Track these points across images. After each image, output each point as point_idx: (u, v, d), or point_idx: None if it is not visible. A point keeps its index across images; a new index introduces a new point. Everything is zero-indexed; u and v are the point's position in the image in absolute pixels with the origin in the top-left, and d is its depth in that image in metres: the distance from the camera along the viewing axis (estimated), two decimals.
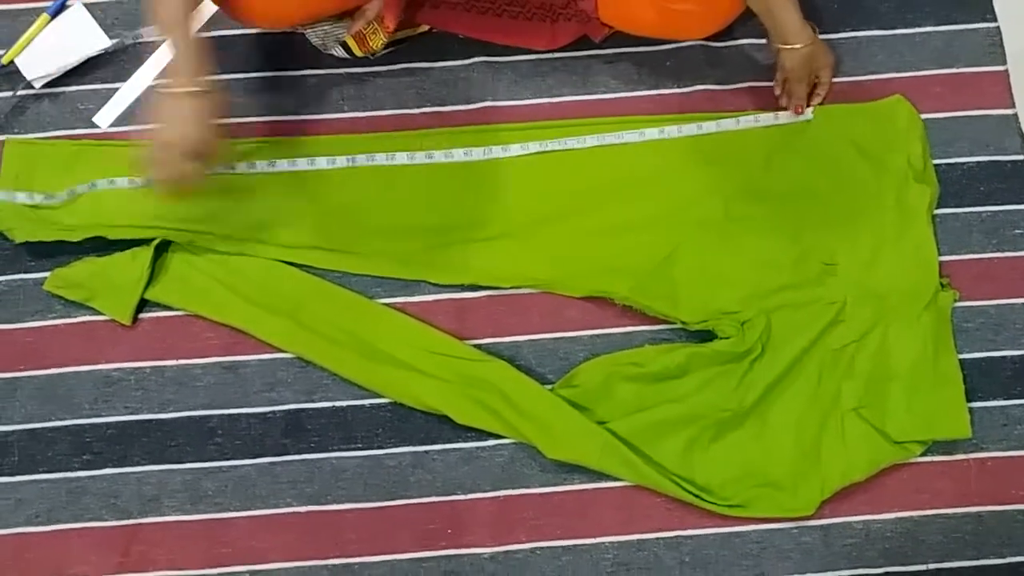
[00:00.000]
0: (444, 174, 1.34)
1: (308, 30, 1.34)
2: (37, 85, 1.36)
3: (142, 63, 1.38)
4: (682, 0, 1.23)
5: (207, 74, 1.16)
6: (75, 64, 1.36)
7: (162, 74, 1.24)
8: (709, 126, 1.35)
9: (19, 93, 1.35)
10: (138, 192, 1.31)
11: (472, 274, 1.31)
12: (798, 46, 1.25)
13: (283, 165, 1.33)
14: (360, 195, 1.33)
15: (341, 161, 1.34)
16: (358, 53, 1.34)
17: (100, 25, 1.39)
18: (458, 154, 1.34)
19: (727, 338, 1.26)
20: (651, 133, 1.35)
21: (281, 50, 1.39)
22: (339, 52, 1.34)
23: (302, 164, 1.34)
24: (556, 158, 1.34)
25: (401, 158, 1.34)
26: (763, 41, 1.37)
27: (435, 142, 1.35)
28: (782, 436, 1.25)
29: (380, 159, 1.34)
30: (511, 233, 1.32)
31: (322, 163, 1.34)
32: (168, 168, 1.16)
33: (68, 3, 1.40)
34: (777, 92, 1.34)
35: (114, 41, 1.37)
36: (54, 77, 1.36)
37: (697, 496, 1.22)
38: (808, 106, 1.34)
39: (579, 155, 1.35)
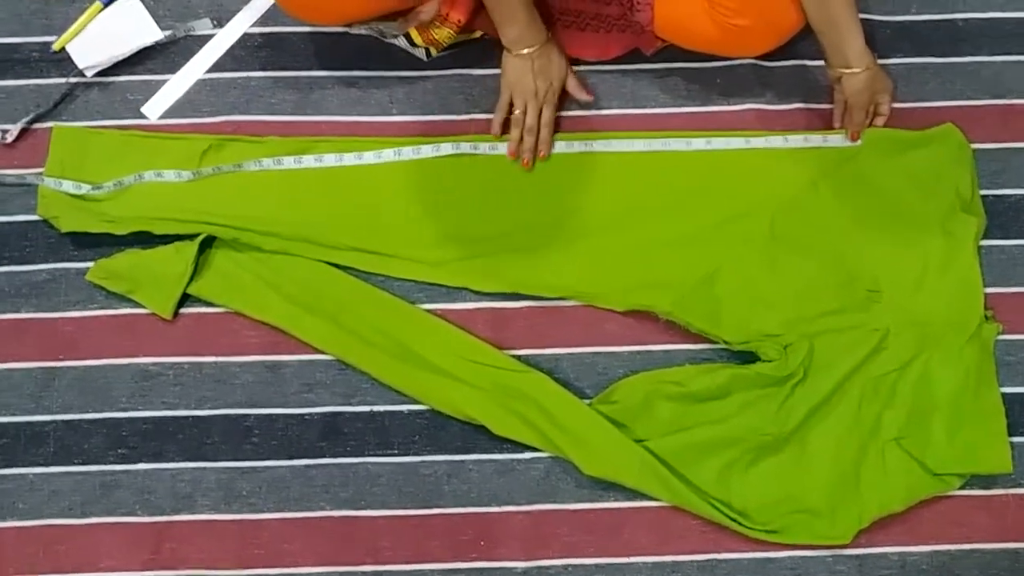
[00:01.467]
0: (489, 180, 1.33)
1: (362, 28, 1.33)
2: (88, 74, 1.35)
3: (193, 56, 1.37)
4: (742, 16, 1.22)
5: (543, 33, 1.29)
6: (127, 55, 1.36)
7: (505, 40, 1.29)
8: (757, 141, 1.34)
9: (70, 81, 1.35)
10: (185, 186, 1.30)
11: (514, 283, 1.30)
12: (859, 70, 1.24)
13: (330, 160, 1.33)
14: (406, 198, 1.32)
15: (388, 154, 1.33)
16: (419, 42, 1.32)
17: (152, 16, 1.38)
18: (503, 148, 1.34)
19: (770, 361, 1.25)
20: (698, 143, 1.34)
21: (332, 49, 1.38)
22: (401, 42, 1.33)
23: (349, 159, 1.33)
24: (601, 167, 1.34)
25: (446, 148, 1.33)
26: (816, 63, 1.36)
27: (480, 139, 1.34)
28: (821, 462, 1.24)
29: (426, 151, 1.33)
30: (554, 243, 1.31)
31: (369, 157, 1.33)
32: (527, 126, 1.30)
33: None
34: (837, 122, 1.33)
35: (166, 33, 1.37)
36: (105, 67, 1.36)
37: (733, 519, 1.21)
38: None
39: (624, 164, 1.34)
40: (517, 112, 1.30)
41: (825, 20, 1.21)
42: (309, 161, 1.33)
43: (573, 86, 1.33)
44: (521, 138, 1.31)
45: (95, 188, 1.31)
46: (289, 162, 1.33)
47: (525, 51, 1.27)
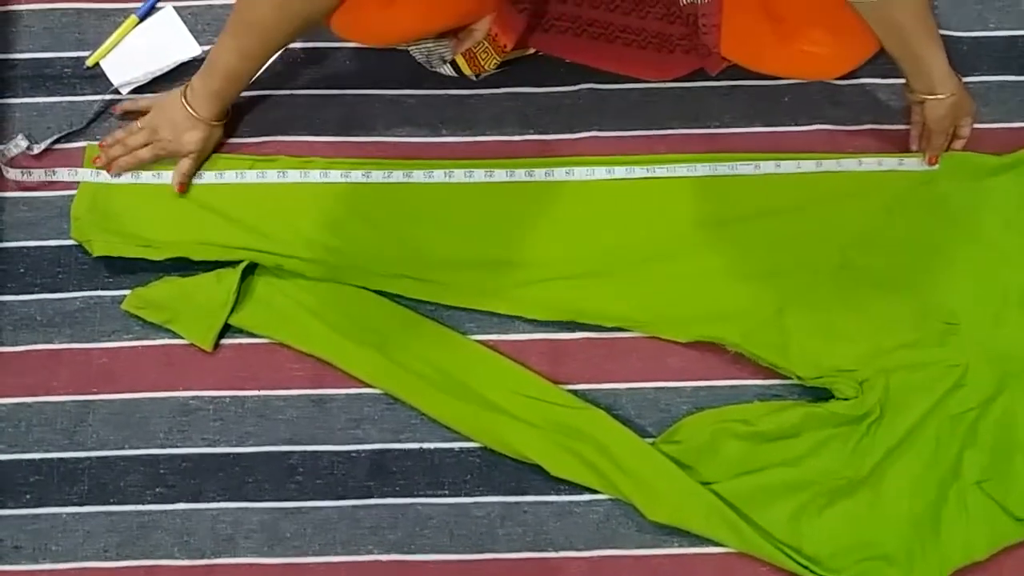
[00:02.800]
0: (543, 202, 1.27)
1: (411, 47, 1.27)
2: (124, 91, 1.30)
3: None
4: (815, 42, 1.15)
5: (223, 118, 1.26)
6: (163, 71, 1.30)
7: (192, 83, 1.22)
8: (829, 164, 1.28)
9: (105, 98, 1.29)
10: (226, 210, 1.24)
11: (570, 312, 1.24)
12: (943, 96, 1.17)
13: (377, 176, 1.27)
14: (455, 223, 1.26)
15: (438, 175, 1.27)
16: (467, 72, 1.27)
17: (190, 30, 1.32)
18: (560, 173, 1.27)
19: (844, 399, 1.19)
20: (767, 167, 1.28)
21: (379, 65, 1.32)
22: (446, 70, 1.27)
23: (397, 176, 1.27)
24: (663, 190, 1.27)
25: (500, 174, 1.27)
26: (889, 80, 1.30)
27: (536, 164, 1.29)
28: (897, 506, 1.17)
29: (479, 175, 1.27)
30: (613, 270, 1.25)
31: (419, 176, 1.27)
32: (127, 151, 1.24)
33: (159, 5, 1.33)
34: (914, 146, 1.26)
35: (204, 48, 1.31)
36: (141, 84, 1.30)
37: (804, 567, 1.14)
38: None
39: (687, 188, 1.27)
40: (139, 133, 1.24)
41: (901, 50, 1.14)
42: (356, 176, 1.27)
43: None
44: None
45: (134, 176, 1.25)
46: (336, 176, 1.27)
47: (197, 113, 1.21)
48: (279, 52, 1.25)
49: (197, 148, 1.24)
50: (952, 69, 1.18)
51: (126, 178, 1.26)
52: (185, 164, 1.24)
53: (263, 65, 1.23)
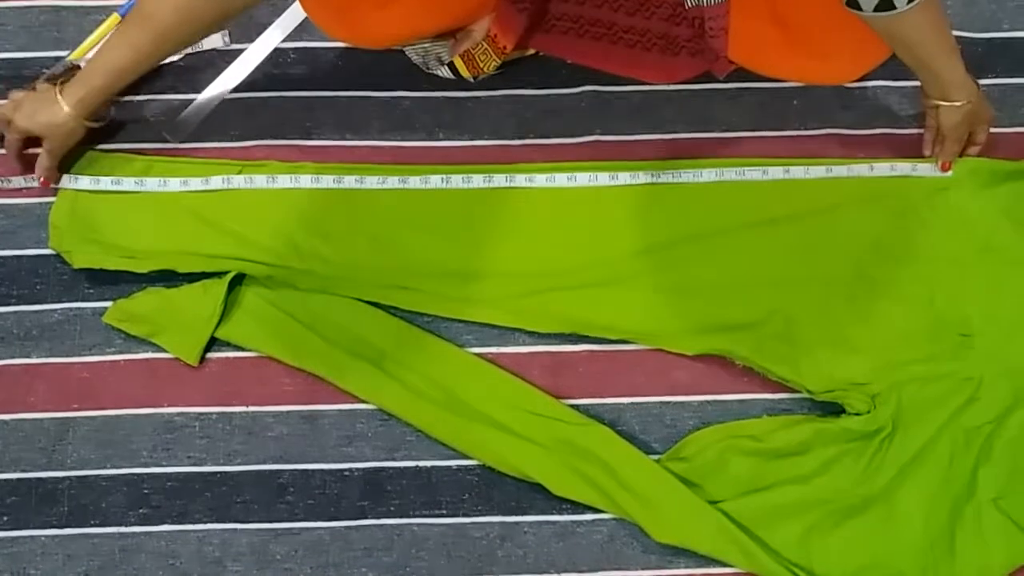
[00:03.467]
0: (545, 210, 1.22)
1: (408, 48, 1.22)
2: None
3: (219, 74, 1.25)
4: (823, 48, 1.11)
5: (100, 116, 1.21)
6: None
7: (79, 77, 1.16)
8: (840, 170, 1.23)
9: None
10: (213, 219, 1.19)
11: (572, 323, 1.20)
12: (959, 103, 1.13)
13: (372, 182, 1.22)
14: (452, 231, 1.21)
15: (435, 180, 1.22)
16: (466, 75, 1.22)
17: None
18: (561, 179, 1.23)
19: (856, 414, 1.15)
20: (775, 172, 1.23)
21: (373, 66, 1.26)
22: (443, 72, 1.23)
23: (393, 182, 1.22)
24: (668, 197, 1.23)
25: (499, 179, 1.23)
26: (901, 83, 1.26)
27: (537, 169, 1.24)
28: (910, 524, 1.14)
29: (477, 180, 1.22)
30: (617, 279, 1.20)
31: (415, 182, 1.22)
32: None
33: None
34: (928, 151, 1.22)
35: (185, 52, 1.26)
36: None
37: None
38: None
39: (693, 194, 1.23)
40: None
41: (912, 60, 1.10)
42: (350, 181, 1.22)
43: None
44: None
45: (115, 183, 1.20)
46: (328, 181, 1.22)
47: (63, 98, 1.15)
48: (180, 53, 1.21)
49: (47, 133, 1.16)
50: (969, 75, 1.14)
51: (105, 184, 1.21)
52: (43, 158, 1.18)
53: (149, 66, 1.17)
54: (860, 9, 1.00)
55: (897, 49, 1.09)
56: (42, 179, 1.19)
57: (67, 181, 1.22)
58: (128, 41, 1.13)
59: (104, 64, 1.15)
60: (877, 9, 0.99)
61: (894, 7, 0.98)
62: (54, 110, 1.16)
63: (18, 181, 1.22)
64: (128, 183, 1.22)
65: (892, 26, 1.03)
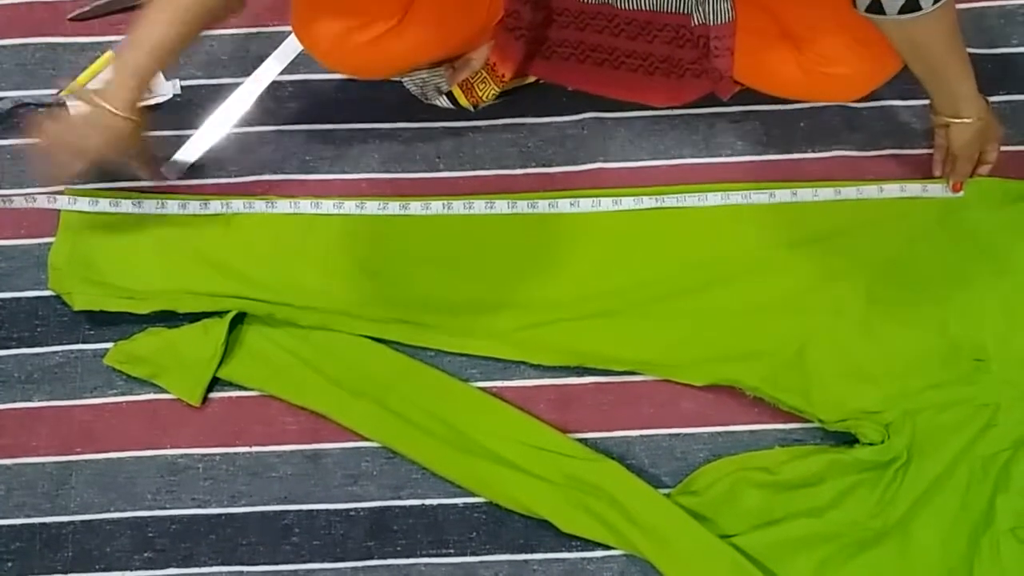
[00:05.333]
0: (548, 238, 1.21)
1: (405, 78, 1.21)
2: None
3: (217, 108, 1.25)
4: (834, 63, 1.09)
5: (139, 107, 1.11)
6: None
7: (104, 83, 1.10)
8: (849, 192, 1.21)
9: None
10: (213, 257, 1.18)
11: (579, 355, 1.18)
12: (970, 120, 1.10)
13: (372, 208, 1.20)
14: (454, 262, 1.20)
15: (436, 207, 1.21)
16: (465, 104, 1.21)
17: (171, 64, 1.22)
18: (564, 204, 1.22)
19: (869, 443, 1.13)
20: (782, 195, 1.21)
21: (372, 98, 1.25)
22: (442, 102, 1.21)
23: (393, 208, 1.21)
24: (674, 223, 1.21)
25: (501, 206, 1.21)
26: (909, 102, 1.24)
27: (539, 196, 1.22)
28: (927, 556, 1.11)
29: (479, 207, 1.21)
30: (623, 310, 1.19)
31: (416, 208, 1.21)
32: (55, 165, 1.12)
33: None
34: (938, 171, 1.20)
35: (176, 93, 1.24)
36: None
37: None
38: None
39: (700, 220, 1.21)
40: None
41: (926, 71, 1.08)
42: (350, 207, 1.21)
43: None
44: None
45: (113, 204, 1.19)
46: (328, 207, 1.21)
47: (113, 106, 1.07)
48: (216, 24, 1.10)
49: (128, 148, 1.11)
50: (979, 91, 1.12)
51: (103, 206, 1.20)
52: (138, 172, 1.16)
53: (194, 36, 1.07)
54: (883, 13, 0.98)
55: (912, 58, 1.06)
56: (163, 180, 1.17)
57: (65, 203, 1.21)
58: (168, 6, 1.04)
59: (147, 42, 1.05)
60: (902, 11, 0.97)
61: (920, 7, 0.96)
62: (118, 126, 1.07)
63: (19, 201, 1.22)
64: (126, 205, 1.21)
65: (912, 32, 1.01)
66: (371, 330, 1.18)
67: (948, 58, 1.06)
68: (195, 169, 1.23)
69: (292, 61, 1.26)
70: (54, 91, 1.25)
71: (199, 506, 1.15)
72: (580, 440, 1.15)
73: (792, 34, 1.11)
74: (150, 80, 1.10)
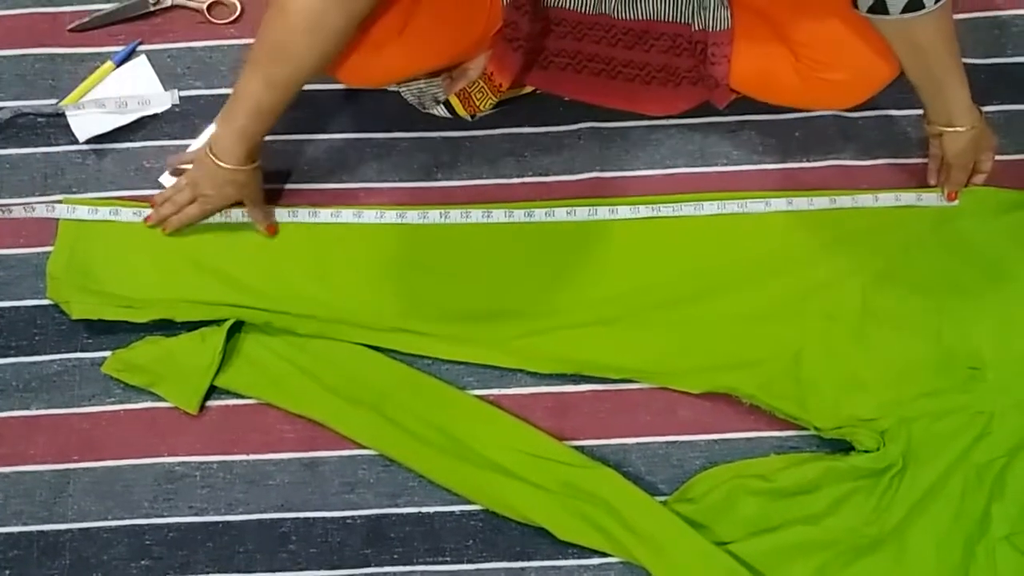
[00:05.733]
0: (544, 246, 1.21)
1: (403, 88, 1.21)
2: (81, 138, 1.22)
3: (214, 119, 1.23)
4: (835, 69, 1.09)
5: (251, 162, 1.16)
6: (129, 122, 1.24)
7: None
8: (844, 201, 1.22)
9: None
10: (210, 266, 1.18)
11: (575, 363, 1.18)
12: (963, 128, 1.11)
13: (370, 217, 1.21)
14: (451, 271, 1.20)
15: (433, 215, 1.21)
16: (462, 114, 1.21)
17: (169, 74, 1.26)
18: (560, 213, 1.22)
19: (865, 451, 1.13)
20: (778, 204, 1.22)
21: (370, 108, 1.26)
22: (440, 111, 1.21)
23: (390, 216, 1.21)
24: (670, 232, 1.21)
25: (499, 215, 1.22)
26: (904, 112, 1.24)
27: (536, 205, 1.23)
28: (922, 563, 1.12)
29: (476, 215, 1.22)
30: (620, 318, 1.19)
31: (413, 217, 1.21)
32: (177, 209, 1.18)
33: (137, 52, 1.27)
34: (932, 180, 1.20)
35: (183, 94, 1.25)
36: (100, 133, 1.23)
37: None
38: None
39: (696, 228, 1.22)
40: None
41: (923, 75, 1.08)
42: (347, 216, 1.21)
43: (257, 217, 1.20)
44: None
45: (113, 213, 1.20)
46: (325, 215, 1.21)
47: (223, 162, 1.13)
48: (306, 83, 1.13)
49: (241, 197, 1.17)
50: (973, 101, 1.12)
51: (103, 214, 1.20)
52: (254, 213, 1.18)
53: (290, 99, 1.09)
54: (887, 13, 0.98)
55: (911, 62, 1.07)
56: (269, 227, 1.19)
57: (64, 212, 1.21)
58: (264, 76, 1.07)
59: (244, 106, 1.09)
60: (905, 10, 0.97)
61: (923, 6, 0.97)
62: (234, 178, 1.14)
63: (18, 211, 1.22)
64: (125, 214, 1.21)
65: (913, 32, 1.02)
66: (368, 338, 1.19)
67: (944, 62, 1.07)
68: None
69: None
70: (53, 101, 1.25)
71: (196, 514, 1.15)
72: (577, 448, 1.16)
73: (789, 40, 1.11)
74: (259, 140, 1.14)
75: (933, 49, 1.04)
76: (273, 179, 1.23)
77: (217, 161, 1.13)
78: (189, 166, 1.18)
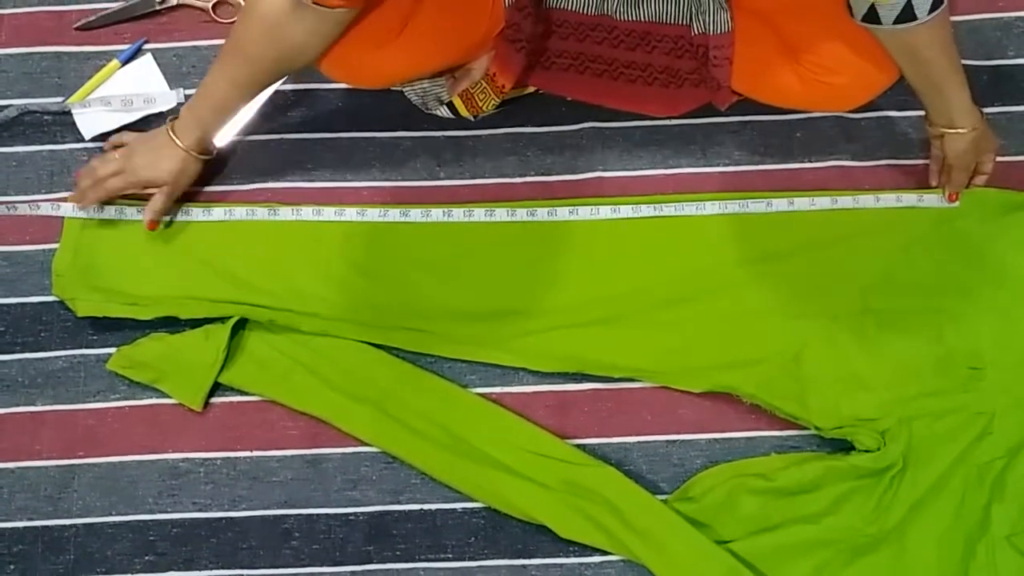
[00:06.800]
0: (547, 245, 1.22)
1: (406, 88, 1.22)
2: (87, 136, 1.24)
3: None
4: (836, 73, 1.10)
5: (204, 153, 1.19)
6: (134, 120, 1.24)
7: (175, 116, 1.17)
8: (845, 201, 1.22)
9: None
10: (215, 263, 1.19)
11: (577, 362, 1.19)
12: (964, 130, 1.11)
13: (373, 215, 1.22)
14: (454, 270, 1.21)
15: (436, 214, 1.22)
16: (465, 114, 1.22)
17: (175, 72, 1.27)
18: (563, 212, 1.22)
19: (865, 451, 1.14)
20: (780, 204, 1.22)
21: (373, 107, 1.26)
22: (443, 112, 1.22)
23: (393, 215, 1.22)
24: (672, 231, 1.22)
25: (501, 214, 1.22)
26: (905, 113, 1.25)
27: (538, 204, 1.23)
28: (922, 563, 1.12)
29: (479, 214, 1.22)
30: (621, 317, 1.19)
31: (416, 215, 1.22)
32: (102, 179, 1.18)
33: (143, 50, 1.28)
34: (934, 182, 1.21)
35: (188, 92, 1.25)
36: (106, 131, 1.23)
37: None
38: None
39: (697, 228, 1.22)
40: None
41: (922, 80, 1.09)
42: (351, 214, 1.22)
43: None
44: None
45: (118, 212, 1.20)
46: (329, 214, 1.22)
47: (180, 141, 1.15)
48: (270, 87, 1.19)
49: (170, 179, 1.17)
50: (974, 103, 1.13)
51: (109, 212, 1.21)
52: (158, 200, 1.18)
53: (252, 97, 1.16)
54: (880, 23, 0.99)
55: (909, 68, 1.08)
56: (149, 223, 1.18)
57: (69, 210, 1.22)
58: (227, 74, 1.12)
59: (209, 98, 1.14)
60: (898, 22, 0.98)
61: (915, 18, 0.98)
62: (176, 155, 1.16)
63: (24, 208, 1.23)
64: (130, 212, 1.21)
65: (908, 41, 1.02)
66: (371, 336, 1.19)
67: (943, 68, 1.07)
68: (198, 177, 1.24)
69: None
70: (59, 99, 1.26)
71: (200, 510, 1.15)
72: (578, 446, 1.16)
73: (790, 44, 1.12)
74: (214, 133, 1.18)
75: (930, 56, 1.05)
76: (277, 177, 1.24)
77: (174, 137, 1.15)
78: (125, 142, 1.19)
